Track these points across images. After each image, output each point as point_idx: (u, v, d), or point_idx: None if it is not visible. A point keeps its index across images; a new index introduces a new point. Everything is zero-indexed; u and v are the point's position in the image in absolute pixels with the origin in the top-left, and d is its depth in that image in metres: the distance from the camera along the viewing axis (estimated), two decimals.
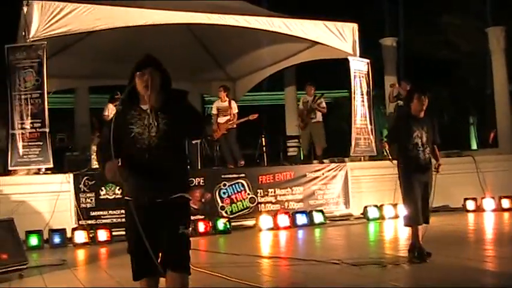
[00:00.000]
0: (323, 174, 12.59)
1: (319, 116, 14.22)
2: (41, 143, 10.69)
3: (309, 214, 11.69)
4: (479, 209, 12.49)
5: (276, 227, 11.07)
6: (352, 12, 16.48)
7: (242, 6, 13.53)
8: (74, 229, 10.10)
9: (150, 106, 4.03)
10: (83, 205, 10.61)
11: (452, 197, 12.68)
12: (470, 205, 12.61)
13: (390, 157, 7.75)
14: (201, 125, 4.39)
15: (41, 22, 10.64)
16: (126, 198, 4.08)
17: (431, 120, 7.22)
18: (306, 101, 14.39)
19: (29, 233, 9.66)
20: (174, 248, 3.95)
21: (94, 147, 11.82)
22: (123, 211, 11.10)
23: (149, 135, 3.97)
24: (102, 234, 10.08)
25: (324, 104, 14.24)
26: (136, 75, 4.05)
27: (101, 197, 10.73)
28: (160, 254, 3.97)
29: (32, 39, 10.67)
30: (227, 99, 13.56)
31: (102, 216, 10.67)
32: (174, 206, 4.00)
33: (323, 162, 13.30)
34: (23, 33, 10.90)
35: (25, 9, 10.69)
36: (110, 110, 13.31)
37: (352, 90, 13.41)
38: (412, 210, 6.94)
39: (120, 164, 3.93)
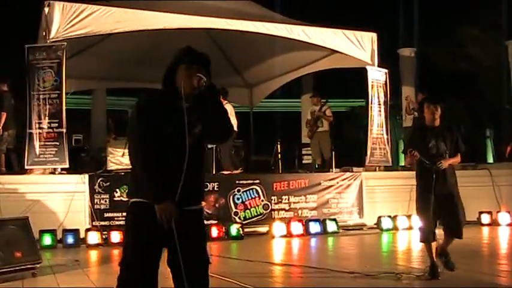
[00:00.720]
0: (337, 183, 12.55)
1: (326, 125, 14.45)
2: (57, 143, 10.75)
3: (322, 222, 11.65)
4: (494, 223, 12.40)
5: (289, 235, 11.05)
6: (371, 22, 16.43)
7: (257, 11, 13.55)
8: (87, 230, 10.13)
9: (190, 103, 3.64)
10: (97, 206, 10.64)
11: (467, 210, 12.36)
12: (485, 219, 12.52)
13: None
14: (230, 129, 3.86)
15: (62, 23, 10.71)
16: (140, 199, 3.62)
17: (449, 129, 6.95)
18: (313, 111, 14.66)
19: (43, 232, 9.71)
20: (201, 273, 3.64)
21: (110, 149, 11.87)
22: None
23: (185, 134, 3.56)
24: (115, 236, 10.08)
25: (329, 113, 14.45)
26: (184, 67, 3.65)
27: (115, 199, 10.75)
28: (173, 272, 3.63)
29: (52, 40, 10.74)
30: (225, 102, 13.57)
31: (115, 218, 10.68)
32: (197, 218, 3.73)
33: (329, 171, 13.38)
34: (44, 34, 10.98)
35: (46, 9, 10.75)
36: None
37: (370, 100, 13.39)
38: (423, 227, 6.79)
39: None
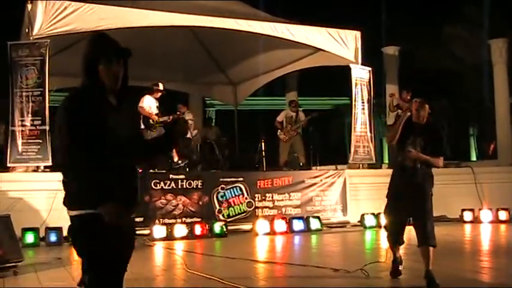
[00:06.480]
0: (321, 180, 12.60)
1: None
2: (40, 141, 10.70)
3: (305, 220, 11.68)
4: (476, 220, 12.50)
5: (272, 232, 11.08)
6: (355, 20, 16.46)
7: (243, 9, 13.53)
8: None
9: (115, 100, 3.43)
10: None
11: (450, 208, 12.68)
12: (468, 216, 12.61)
13: None
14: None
15: (45, 20, 10.65)
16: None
17: (433, 129, 6.48)
18: (290, 116, 14.86)
19: (25, 230, 9.66)
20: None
21: None
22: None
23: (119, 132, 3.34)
24: None
25: (307, 120, 14.82)
26: (104, 62, 3.48)
27: None
28: None
29: (35, 37, 10.68)
30: None
31: None
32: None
33: (309, 169, 13.52)
34: (26, 31, 10.93)
35: (29, 6, 10.70)
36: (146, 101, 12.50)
37: (353, 98, 13.46)
38: (389, 229, 6.62)
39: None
